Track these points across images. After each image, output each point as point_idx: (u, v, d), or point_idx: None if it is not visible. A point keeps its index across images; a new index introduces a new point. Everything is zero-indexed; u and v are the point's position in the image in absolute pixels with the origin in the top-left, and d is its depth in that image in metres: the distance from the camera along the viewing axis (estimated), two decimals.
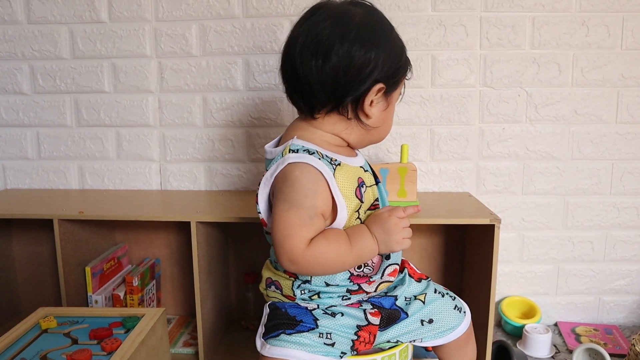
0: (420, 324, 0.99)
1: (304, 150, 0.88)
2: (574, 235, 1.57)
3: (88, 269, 1.40)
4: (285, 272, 0.94)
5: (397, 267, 0.97)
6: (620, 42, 1.46)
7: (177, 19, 1.53)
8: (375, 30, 0.89)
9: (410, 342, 1.00)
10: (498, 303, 1.60)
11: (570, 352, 1.43)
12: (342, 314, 0.93)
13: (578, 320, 1.62)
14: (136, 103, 1.59)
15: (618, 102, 1.49)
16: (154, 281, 1.57)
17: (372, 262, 0.94)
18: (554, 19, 1.45)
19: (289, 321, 0.92)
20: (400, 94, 0.98)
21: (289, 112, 1.54)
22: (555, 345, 1.48)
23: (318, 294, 0.93)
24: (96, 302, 1.41)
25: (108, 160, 1.63)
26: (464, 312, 1.05)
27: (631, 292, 1.60)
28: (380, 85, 0.89)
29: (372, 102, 0.90)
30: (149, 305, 1.54)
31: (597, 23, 1.45)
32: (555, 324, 1.61)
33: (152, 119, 1.59)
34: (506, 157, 1.53)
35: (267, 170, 0.90)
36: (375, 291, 0.96)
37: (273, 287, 0.98)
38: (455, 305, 1.04)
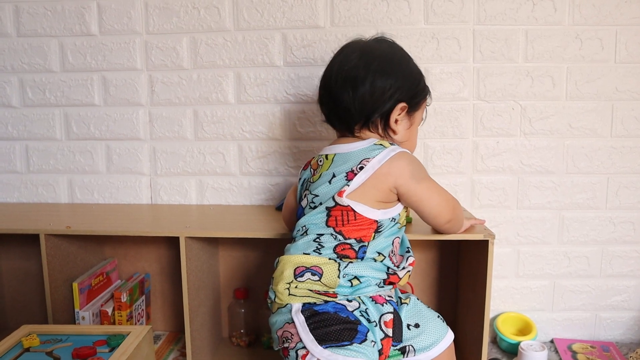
0: (407, 329, 1.04)
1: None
2: (569, 251, 1.55)
3: (75, 285, 1.37)
4: (335, 249, 0.99)
5: (414, 260, 1.09)
6: (614, 55, 1.45)
7: (167, 32, 1.52)
8: (394, 60, 1.08)
9: (401, 351, 1.03)
10: (493, 319, 1.57)
11: None
12: (376, 324, 0.98)
13: (575, 337, 1.60)
14: (126, 116, 1.57)
15: (612, 116, 1.48)
16: (144, 297, 1.54)
17: (396, 256, 1.07)
18: (547, 32, 1.44)
19: (348, 325, 0.94)
20: (422, 118, 1.16)
21: (281, 125, 1.52)
22: None
23: (358, 278, 0.98)
24: (83, 318, 1.38)
25: (98, 174, 1.61)
26: (446, 325, 1.11)
27: (628, 308, 1.58)
28: (403, 104, 1.06)
29: (397, 120, 1.07)
30: (138, 321, 1.51)
31: (590, 36, 1.44)
32: (552, 341, 1.59)
33: (142, 132, 1.58)
34: (500, 171, 1.51)
35: (340, 165, 1.04)
36: (400, 279, 1.04)
37: (308, 275, 0.97)
38: (439, 315, 1.11)
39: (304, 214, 1.07)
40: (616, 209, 1.52)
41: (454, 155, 1.51)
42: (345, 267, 0.98)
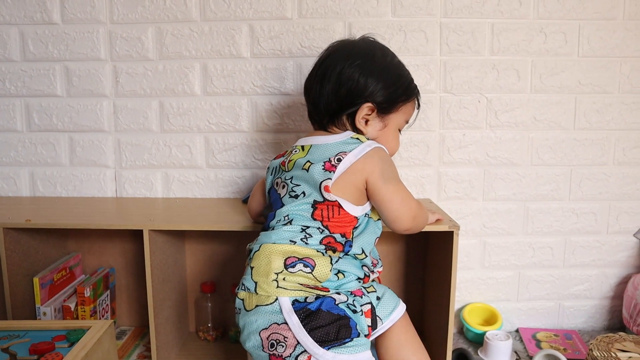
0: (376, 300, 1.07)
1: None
2: (534, 241, 1.57)
3: (36, 280, 1.34)
4: (321, 241, 0.98)
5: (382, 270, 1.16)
6: (577, 49, 1.47)
7: (132, 22, 1.49)
8: (368, 57, 1.06)
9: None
10: (460, 310, 1.59)
11: (531, 358, 1.43)
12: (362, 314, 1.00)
13: (539, 326, 1.63)
14: (90, 107, 1.54)
15: (576, 109, 1.50)
16: (108, 291, 1.52)
17: (373, 263, 1.08)
18: (513, 25, 1.46)
19: (341, 321, 0.93)
20: (407, 122, 1.15)
21: (248, 117, 1.51)
22: (516, 352, 1.47)
23: (342, 272, 0.99)
24: (45, 314, 1.35)
25: (60, 166, 1.58)
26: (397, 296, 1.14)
27: (590, 297, 1.61)
28: (369, 105, 1.05)
29: (367, 121, 1.07)
30: (103, 316, 1.48)
31: (554, 30, 1.46)
32: (517, 330, 1.61)
33: (106, 124, 1.54)
34: (467, 163, 1.53)
35: (319, 156, 1.03)
36: (371, 281, 1.09)
37: (300, 266, 0.95)
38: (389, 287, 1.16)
39: (284, 204, 1.04)
40: (579, 200, 1.55)
41: (420, 148, 1.52)
42: (337, 261, 0.98)
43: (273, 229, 1.02)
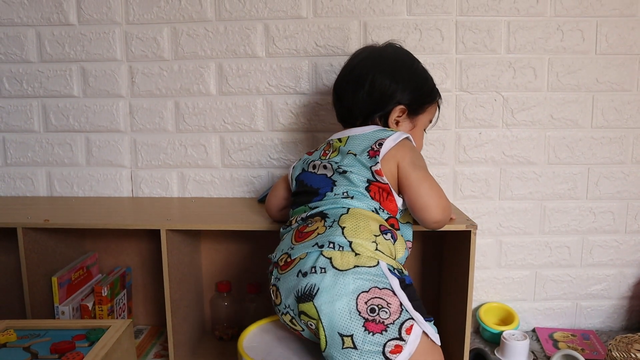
0: None
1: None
2: (551, 241, 1.56)
3: (54, 279, 1.35)
4: (389, 221, 1.01)
5: None
6: (594, 46, 1.46)
7: (148, 22, 1.49)
8: (397, 63, 1.14)
9: None
10: (476, 310, 1.58)
11: (548, 358, 1.42)
12: None
13: (556, 326, 1.61)
14: (106, 108, 1.55)
15: (593, 107, 1.49)
16: (125, 291, 1.53)
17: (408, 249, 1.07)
18: (529, 23, 1.45)
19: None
20: (430, 121, 1.21)
21: (263, 116, 1.51)
22: (533, 352, 1.46)
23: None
24: (63, 313, 1.36)
25: (77, 166, 1.59)
26: None
27: (608, 296, 1.60)
28: (401, 107, 1.12)
29: (398, 122, 1.13)
30: (120, 315, 1.49)
31: (571, 28, 1.45)
32: (533, 330, 1.60)
33: (122, 124, 1.55)
34: (483, 162, 1.52)
35: (354, 146, 1.07)
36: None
37: (389, 235, 0.96)
38: None
39: (334, 180, 1.03)
40: (596, 199, 1.53)
41: (436, 147, 1.51)
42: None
43: (332, 202, 1.02)
